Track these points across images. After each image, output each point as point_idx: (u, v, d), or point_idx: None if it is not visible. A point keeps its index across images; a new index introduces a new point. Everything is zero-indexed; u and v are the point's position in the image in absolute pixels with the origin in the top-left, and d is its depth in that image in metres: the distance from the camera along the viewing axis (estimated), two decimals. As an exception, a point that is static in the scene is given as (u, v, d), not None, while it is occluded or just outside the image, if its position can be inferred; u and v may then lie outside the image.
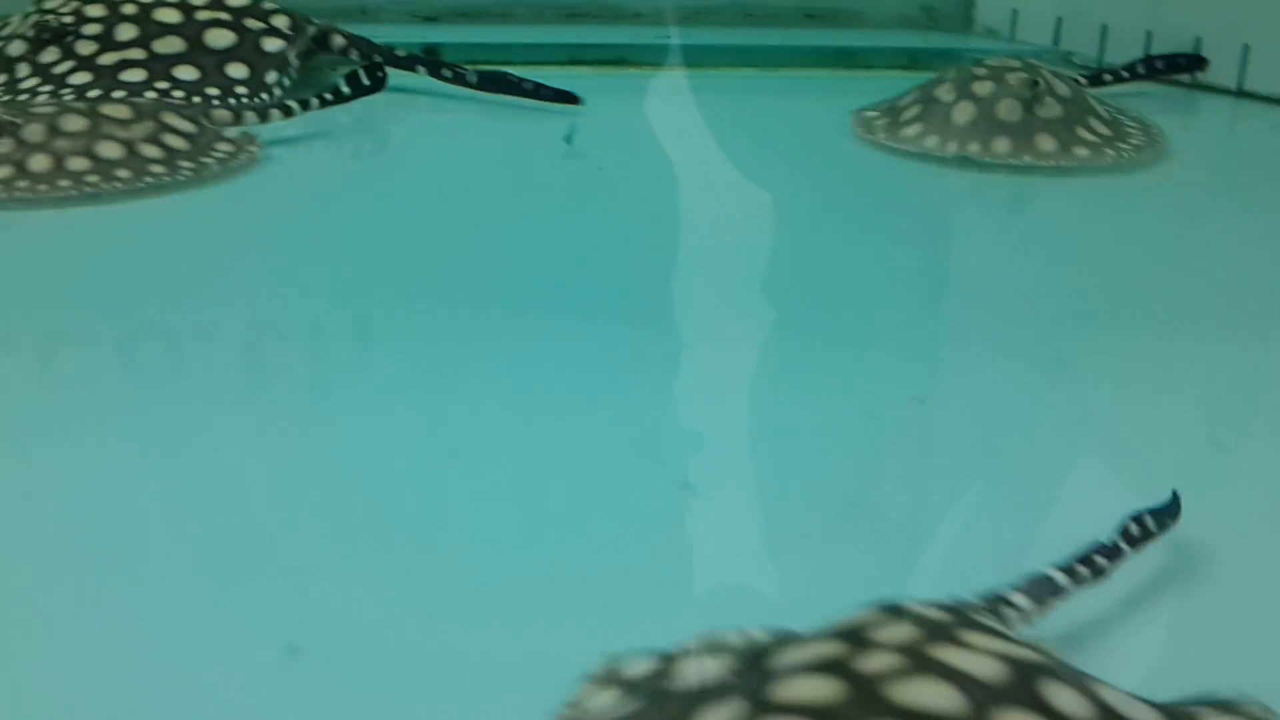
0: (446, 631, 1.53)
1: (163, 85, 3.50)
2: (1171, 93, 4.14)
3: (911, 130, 3.32)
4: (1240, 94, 4.04)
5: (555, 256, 2.82)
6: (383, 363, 2.32)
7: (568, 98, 3.71)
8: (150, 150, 3.08)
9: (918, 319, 2.59)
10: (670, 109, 4.16)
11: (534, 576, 1.67)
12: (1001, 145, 3.20)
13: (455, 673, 1.43)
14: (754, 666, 1.29)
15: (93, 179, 2.98)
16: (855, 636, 1.32)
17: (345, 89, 3.48)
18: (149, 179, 3.07)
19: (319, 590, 1.59)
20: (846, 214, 3.17)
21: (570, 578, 1.67)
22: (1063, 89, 3.35)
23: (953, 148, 3.25)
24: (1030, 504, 1.92)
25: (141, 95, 3.41)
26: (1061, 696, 1.27)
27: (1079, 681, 1.33)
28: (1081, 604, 1.58)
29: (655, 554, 1.74)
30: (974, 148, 3.23)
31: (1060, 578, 1.56)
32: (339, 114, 3.52)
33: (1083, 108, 3.34)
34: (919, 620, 1.36)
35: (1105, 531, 1.65)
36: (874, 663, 1.25)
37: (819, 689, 1.21)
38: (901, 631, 1.32)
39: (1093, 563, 1.60)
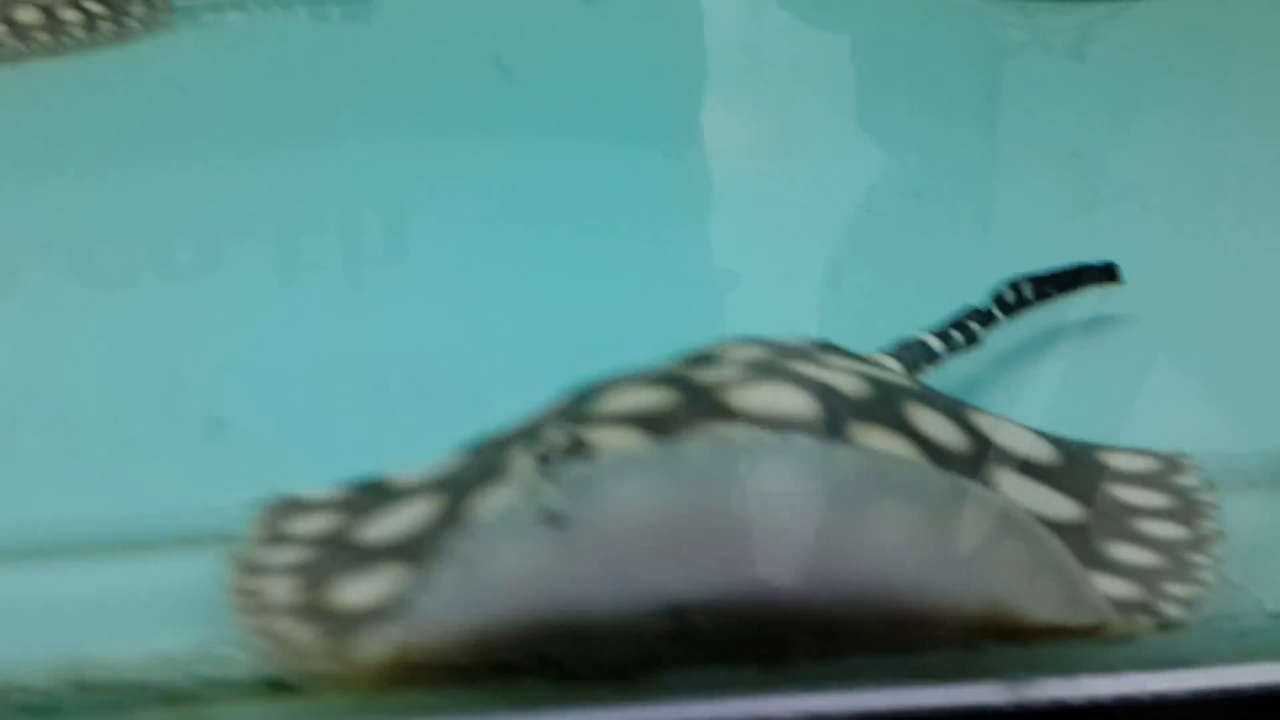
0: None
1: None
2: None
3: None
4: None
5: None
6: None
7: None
8: (69, 14, 2.92)
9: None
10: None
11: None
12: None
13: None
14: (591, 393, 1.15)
15: (12, 43, 2.81)
16: (701, 357, 1.19)
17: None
18: (68, 40, 2.88)
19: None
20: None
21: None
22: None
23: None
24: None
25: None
26: (927, 419, 1.13)
27: (949, 406, 1.19)
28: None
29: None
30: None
31: (935, 342, 1.46)
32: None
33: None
34: (775, 344, 1.22)
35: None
36: (715, 374, 1.11)
37: (647, 398, 1.07)
38: (752, 350, 1.19)
39: (966, 328, 1.50)
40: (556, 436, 0.99)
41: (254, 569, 1.07)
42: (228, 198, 2.08)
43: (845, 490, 0.89)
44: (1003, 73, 2.71)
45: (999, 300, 1.55)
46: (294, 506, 1.15)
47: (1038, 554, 0.93)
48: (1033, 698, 0.92)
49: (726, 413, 1.03)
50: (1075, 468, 1.17)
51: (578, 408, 1.09)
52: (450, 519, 1.06)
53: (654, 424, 1.02)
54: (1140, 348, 1.58)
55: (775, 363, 1.12)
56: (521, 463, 1.04)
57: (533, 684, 0.90)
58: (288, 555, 1.08)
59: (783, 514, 0.89)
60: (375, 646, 0.92)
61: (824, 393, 1.07)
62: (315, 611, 1.00)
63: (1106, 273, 1.63)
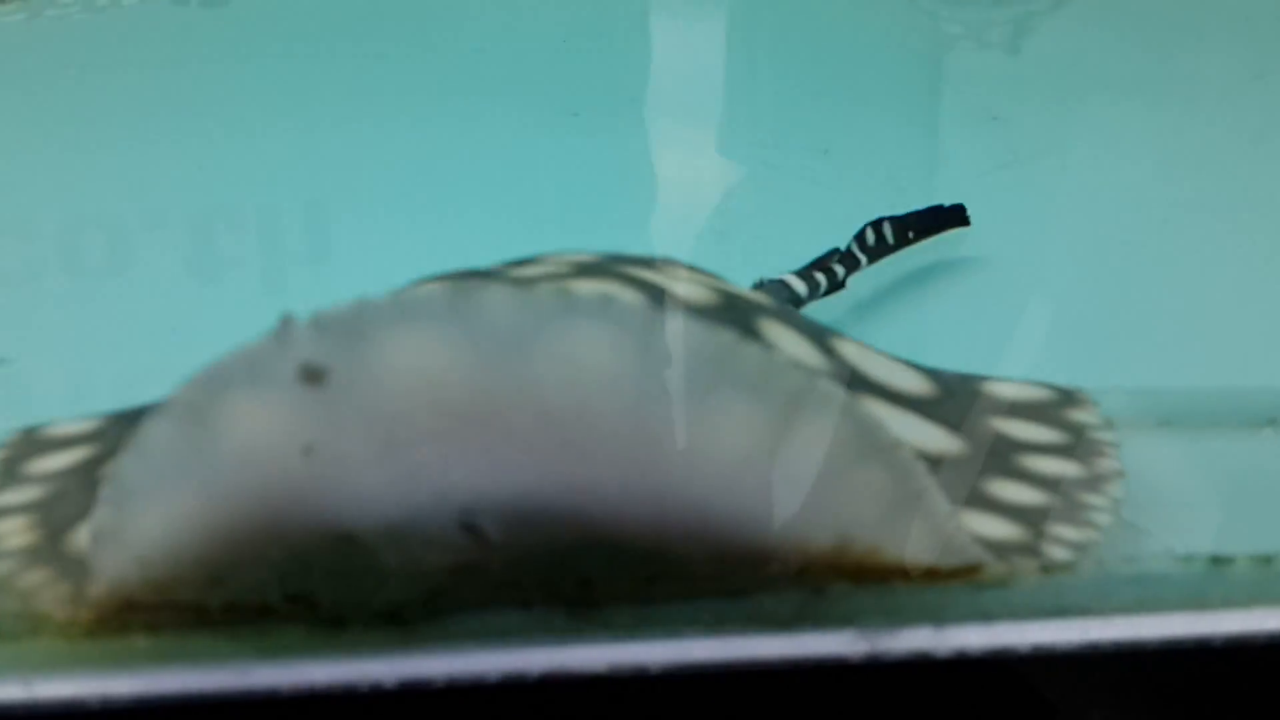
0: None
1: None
2: None
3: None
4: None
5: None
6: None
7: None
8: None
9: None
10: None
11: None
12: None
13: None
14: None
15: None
16: (526, 259, 1.06)
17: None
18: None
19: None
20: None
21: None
22: None
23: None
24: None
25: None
26: (783, 335, 0.99)
27: (810, 327, 1.06)
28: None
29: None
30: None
31: (797, 284, 1.39)
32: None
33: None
34: (614, 253, 1.07)
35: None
36: (536, 270, 0.98)
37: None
38: (584, 256, 1.05)
39: (829, 269, 1.44)
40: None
41: None
42: (92, 186, 1.94)
43: (680, 371, 0.69)
44: (927, 54, 2.61)
45: (860, 241, 1.50)
46: (43, 440, 0.99)
47: (901, 482, 0.76)
48: (891, 649, 0.77)
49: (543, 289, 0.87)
50: (955, 398, 1.02)
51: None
52: None
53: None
54: (1036, 293, 1.50)
55: (608, 266, 0.98)
56: None
57: (285, 628, 0.74)
58: (25, 495, 0.91)
59: (601, 397, 0.69)
60: (96, 585, 0.73)
61: (660, 295, 0.92)
62: (47, 554, 0.82)
63: (958, 215, 1.59)
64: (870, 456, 0.75)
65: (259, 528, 0.70)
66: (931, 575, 0.80)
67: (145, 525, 0.69)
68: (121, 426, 0.97)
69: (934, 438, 0.96)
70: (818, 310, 1.40)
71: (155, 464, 0.68)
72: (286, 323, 0.66)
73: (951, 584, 0.81)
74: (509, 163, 1.96)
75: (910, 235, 1.54)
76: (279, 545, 0.70)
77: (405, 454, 0.68)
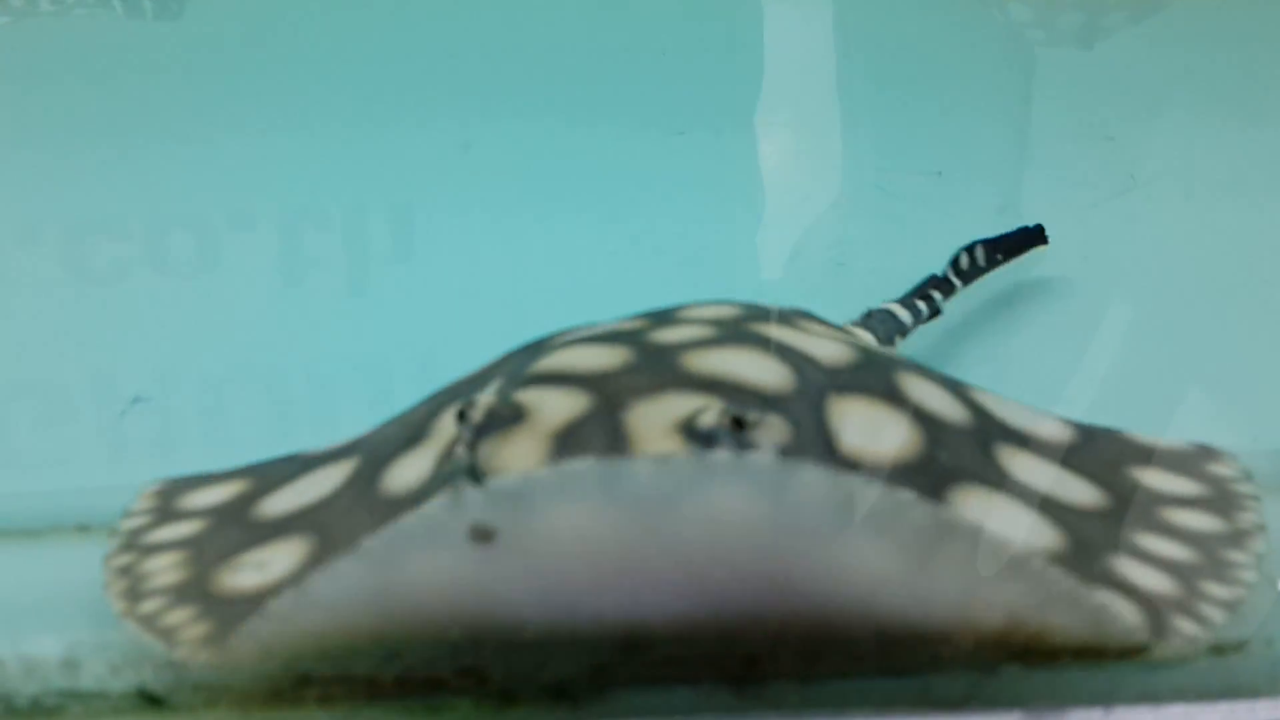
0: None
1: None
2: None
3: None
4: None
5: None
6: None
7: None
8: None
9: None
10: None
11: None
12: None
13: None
14: (540, 347, 1.01)
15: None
16: (663, 314, 1.05)
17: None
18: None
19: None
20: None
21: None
22: None
23: None
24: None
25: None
26: (922, 389, 0.98)
27: (943, 379, 1.03)
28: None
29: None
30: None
31: (902, 312, 1.38)
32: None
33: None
34: (747, 306, 1.08)
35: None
36: (675, 334, 0.96)
37: (596, 356, 0.91)
38: (720, 310, 1.04)
39: (929, 297, 1.43)
40: (485, 398, 0.84)
41: (134, 547, 0.93)
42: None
43: (801, 520, 0.73)
44: (1030, 68, 2.57)
45: (955, 265, 1.49)
46: (188, 485, 1.01)
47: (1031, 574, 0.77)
48: (1059, 731, 0.76)
49: (682, 378, 0.88)
50: (1095, 448, 1.01)
51: (521, 361, 0.95)
52: (365, 486, 0.91)
53: (598, 386, 0.86)
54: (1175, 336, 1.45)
55: (742, 326, 0.98)
56: (448, 425, 0.89)
57: (455, 701, 0.75)
58: (174, 531, 0.94)
59: (739, 549, 0.73)
60: (252, 638, 0.75)
61: (797, 359, 0.93)
62: (198, 592, 0.85)
63: (1038, 235, 1.58)
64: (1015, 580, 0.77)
65: (437, 624, 0.74)
66: (1095, 653, 0.80)
67: (322, 621, 0.74)
68: (273, 471, 1.01)
69: (1079, 491, 0.95)
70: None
71: (340, 589, 0.73)
72: (458, 491, 0.72)
73: (1119, 663, 0.80)
74: (614, 181, 1.95)
75: (999, 257, 1.53)
76: (456, 636, 0.74)
77: (561, 586, 0.74)
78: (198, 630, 0.82)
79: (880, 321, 1.34)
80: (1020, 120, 2.19)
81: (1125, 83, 2.26)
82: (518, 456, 0.80)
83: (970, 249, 1.51)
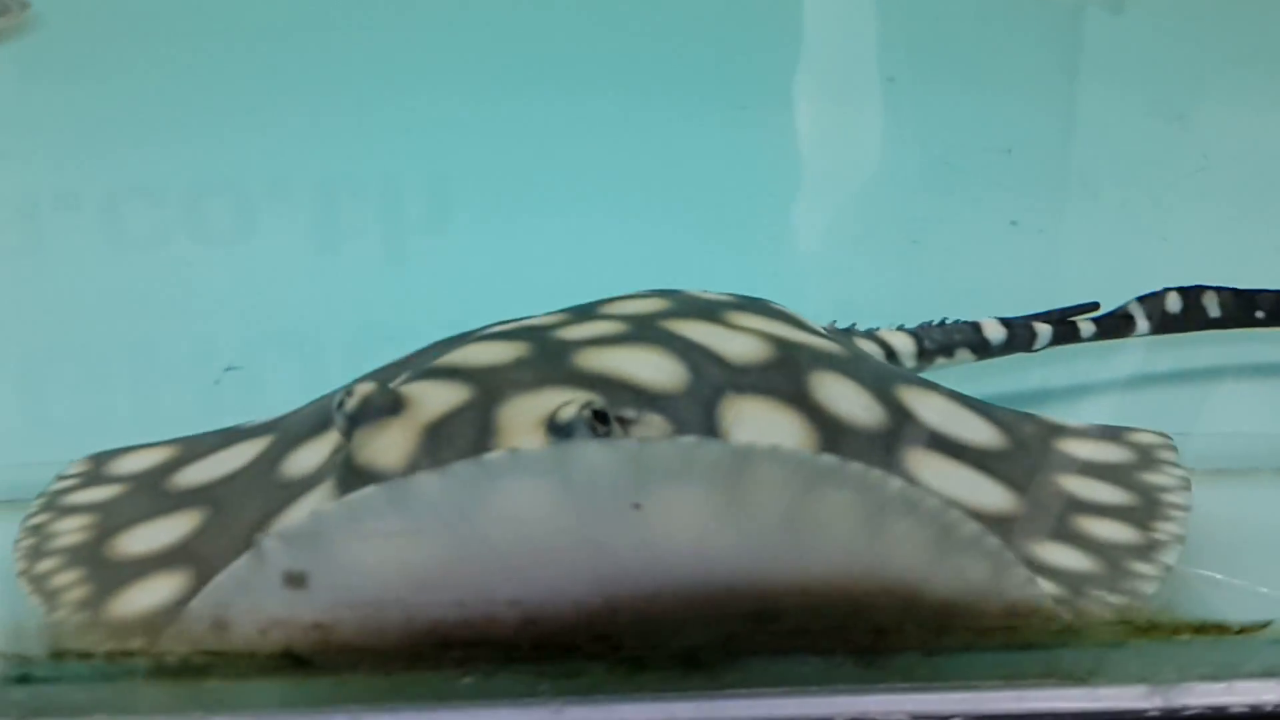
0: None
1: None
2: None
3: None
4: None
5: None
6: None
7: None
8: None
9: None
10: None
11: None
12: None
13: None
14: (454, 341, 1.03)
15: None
16: (587, 307, 1.06)
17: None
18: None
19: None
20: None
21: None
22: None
23: None
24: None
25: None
26: (837, 390, 0.98)
27: (881, 377, 1.04)
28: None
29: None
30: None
31: (995, 331, 1.28)
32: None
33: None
34: (683, 297, 1.08)
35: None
36: (584, 329, 0.98)
37: (492, 352, 0.94)
38: (648, 304, 1.05)
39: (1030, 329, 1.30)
40: (363, 386, 0.87)
41: (52, 508, 1.01)
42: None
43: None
44: (1092, 46, 2.55)
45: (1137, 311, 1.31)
46: (125, 452, 1.09)
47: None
48: (1185, 704, 0.77)
49: (568, 375, 0.90)
50: (1025, 449, 1.02)
51: (434, 353, 0.99)
52: (266, 469, 0.97)
53: (483, 380, 0.89)
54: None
55: (662, 321, 1.00)
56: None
57: (590, 666, 0.76)
58: (91, 495, 1.02)
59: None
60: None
61: (701, 358, 0.95)
62: (90, 556, 0.93)
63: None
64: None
65: None
66: (1219, 630, 0.81)
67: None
68: (196, 445, 1.07)
69: (987, 492, 0.96)
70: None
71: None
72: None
73: (1240, 638, 0.81)
74: (676, 158, 1.94)
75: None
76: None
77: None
78: (79, 593, 0.89)
79: (949, 333, 1.28)
80: (1089, 97, 2.19)
81: (1195, 61, 2.26)
82: (387, 447, 0.84)
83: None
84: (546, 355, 0.93)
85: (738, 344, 0.99)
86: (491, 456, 0.74)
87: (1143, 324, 1.30)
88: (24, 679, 0.77)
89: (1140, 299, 1.31)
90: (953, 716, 0.76)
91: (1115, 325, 1.30)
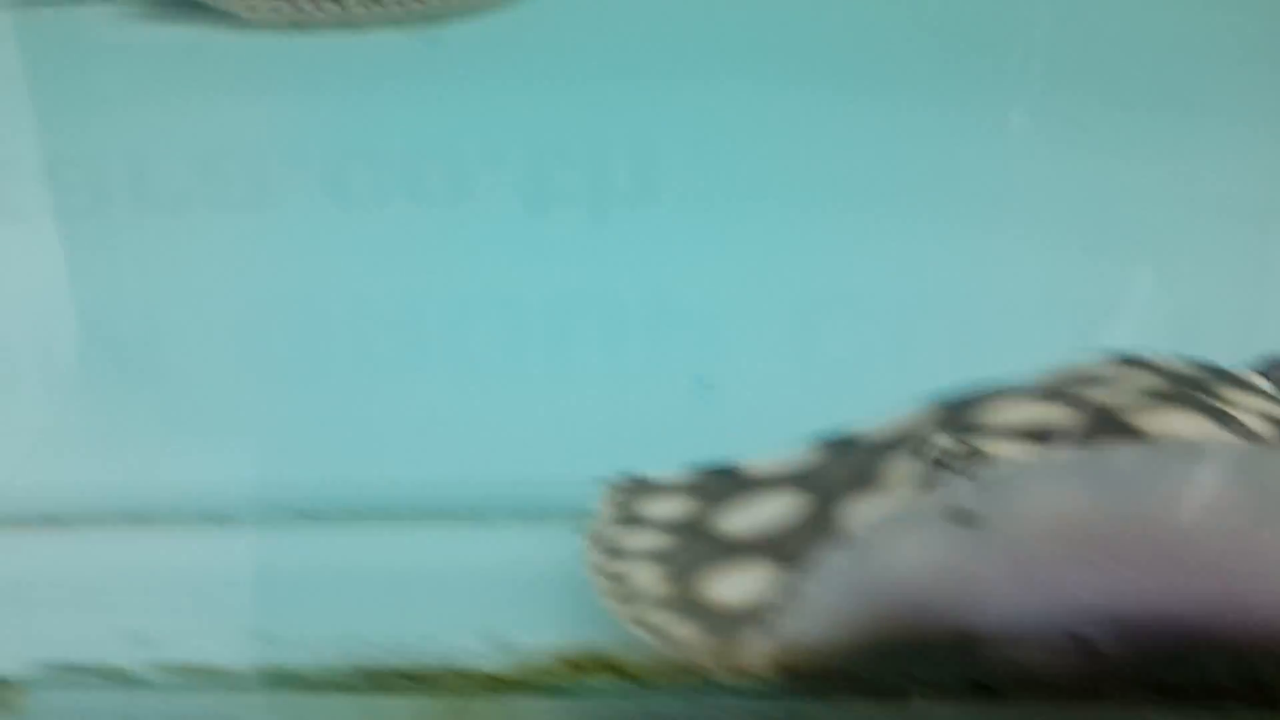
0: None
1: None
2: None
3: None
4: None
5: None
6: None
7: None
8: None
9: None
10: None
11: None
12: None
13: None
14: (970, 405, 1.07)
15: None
16: (1084, 375, 1.08)
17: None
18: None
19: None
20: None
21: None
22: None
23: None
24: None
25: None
26: None
27: None
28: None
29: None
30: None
31: None
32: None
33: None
34: (1161, 367, 1.11)
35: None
36: (1110, 395, 1.01)
37: (1042, 413, 0.98)
38: (1140, 374, 1.08)
39: None
40: (950, 443, 0.94)
41: (614, 552, 1.05)
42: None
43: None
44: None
45: None
46: (643, 488, 1.13)
47: None
48: None
49: (1136, 434, 0.94)
50: None
51: (959, 418, 1.02)
52: (822, 522, 1.01)
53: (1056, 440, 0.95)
54: None
55: (1172, 389, 1.03)
56: (904, 469, 0.99)
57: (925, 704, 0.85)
58: (647, 540, 1.06)
59: (1206, 532, 0.80)
60: (763, 648, 0.89)
61: (1238, 426, 0.98)
62: (688, 605, 0.97)
63: None
64: None
65: (924, 624, 0.84)
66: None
67: (829, 618, 0.85)
68: (715, 483, 1.12)
69: None
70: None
71: (839, 587, 0.84)
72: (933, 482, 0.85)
73: None
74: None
75: None
76: (939, 636, 0.84)
77: (1047, 578, 0.82)
78: (702, 639, 0.95)
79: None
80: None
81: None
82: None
83: None
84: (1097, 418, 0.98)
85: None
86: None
87: None
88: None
89: None
90: None
91: None
